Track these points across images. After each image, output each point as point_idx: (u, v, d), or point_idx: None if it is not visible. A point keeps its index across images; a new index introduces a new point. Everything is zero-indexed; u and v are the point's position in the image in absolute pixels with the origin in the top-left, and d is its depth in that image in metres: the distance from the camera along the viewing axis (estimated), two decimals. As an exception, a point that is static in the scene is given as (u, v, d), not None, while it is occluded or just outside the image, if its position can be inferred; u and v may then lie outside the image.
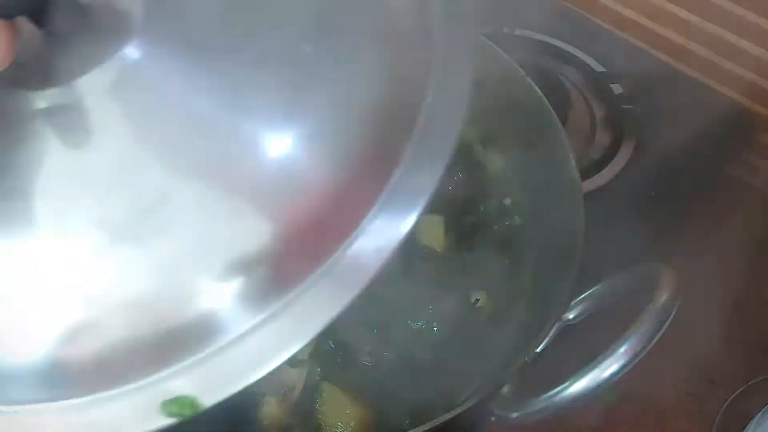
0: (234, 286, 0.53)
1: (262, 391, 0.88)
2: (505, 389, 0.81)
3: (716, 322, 1.28)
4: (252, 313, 0.53)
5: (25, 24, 0.51)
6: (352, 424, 0.85)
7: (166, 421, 0.51)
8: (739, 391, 1.20)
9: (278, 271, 0.54)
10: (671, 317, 0.68)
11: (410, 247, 1.02)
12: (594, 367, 0.68)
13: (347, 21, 0.59)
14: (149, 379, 0.52)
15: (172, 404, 0.51)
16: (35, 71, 0.53)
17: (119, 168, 0.53)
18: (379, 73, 0.58)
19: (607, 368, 0.68)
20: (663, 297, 0.69)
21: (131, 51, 0.53)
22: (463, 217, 1.08)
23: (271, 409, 0.85)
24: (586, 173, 1.25)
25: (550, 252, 1.02)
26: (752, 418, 1.13)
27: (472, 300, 0.99)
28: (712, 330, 1.28)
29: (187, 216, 0.53)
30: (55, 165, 0.53)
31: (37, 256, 0.53)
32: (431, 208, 1.03)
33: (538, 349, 0.83)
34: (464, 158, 1.13)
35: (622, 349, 0.67)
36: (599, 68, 1.42)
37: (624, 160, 1.29)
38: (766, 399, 1.19)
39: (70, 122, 0.53)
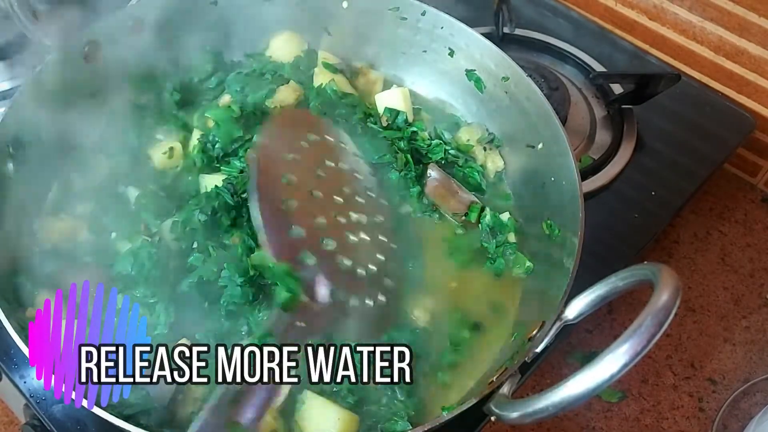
0: None
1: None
2: (505, 389, 0.81)
3: (716, 322, 1.29)
4: None
5: None
6: (336, 429, 0.85)
7: None
8: (739, 391, 1.20)
9: None
10: (671, 317, 0.68)
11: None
12: (594, 367, 0.68)
13: None
14: None
15: None
16: None
17: None
18: None
19: (607, 368, 0.67)
20: (663, 297, 0.69)
21: None
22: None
23: None
24: (586, 173, 1.25)
25: (550, 252, 1.02)
26: (752, 418, 1.13)
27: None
28: (712, 330, 1.28)
29: None
30: None
31: None
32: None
33: (538, 349, 0.83)
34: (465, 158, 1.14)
35: (622, 349, 0.67)
36: (599, 68, 1.42)
37: (624, 160, 1.29)
38: (766, 399, 1.20)
39: None
